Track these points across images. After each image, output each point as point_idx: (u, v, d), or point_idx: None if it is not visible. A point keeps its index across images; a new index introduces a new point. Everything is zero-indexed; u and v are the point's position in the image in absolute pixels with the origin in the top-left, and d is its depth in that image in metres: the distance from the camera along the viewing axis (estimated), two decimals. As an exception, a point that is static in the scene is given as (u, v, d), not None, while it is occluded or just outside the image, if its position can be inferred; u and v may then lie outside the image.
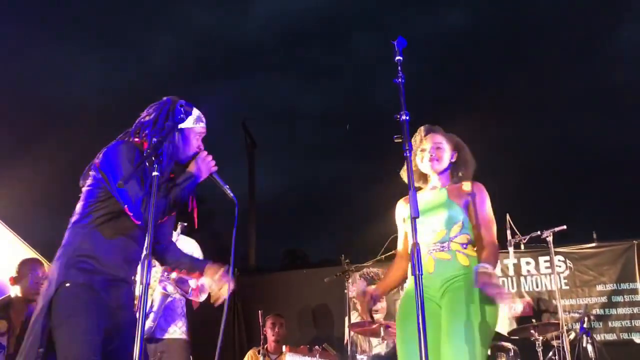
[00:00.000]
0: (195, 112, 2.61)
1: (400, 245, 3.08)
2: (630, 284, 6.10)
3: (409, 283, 2.91)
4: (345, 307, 6.90)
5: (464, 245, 2.77)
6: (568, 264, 6.31)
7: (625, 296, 6.10)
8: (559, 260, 6.32)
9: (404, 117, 2.07)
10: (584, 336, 4.19)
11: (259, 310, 5.05)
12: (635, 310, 6.04)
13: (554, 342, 4.51)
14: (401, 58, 2.15)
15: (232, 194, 2.60)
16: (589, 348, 4.12)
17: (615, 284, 6.15)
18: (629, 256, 6.18)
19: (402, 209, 3.06)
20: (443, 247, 2.78)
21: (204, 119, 2.65)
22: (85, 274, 2.31)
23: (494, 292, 2.47)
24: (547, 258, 6.35)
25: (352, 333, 5.41)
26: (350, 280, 7.09)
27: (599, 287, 6.19)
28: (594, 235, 6.37)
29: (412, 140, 2.97)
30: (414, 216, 1.95)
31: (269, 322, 5.51)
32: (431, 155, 2.91)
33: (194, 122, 2.58)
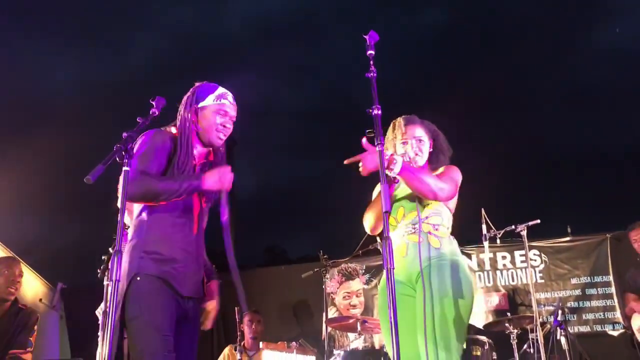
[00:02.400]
0: (219, 90, 2.58)
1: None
2: (604, 276, 6.20)
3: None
4: (324, 302, 6.93)
5: (436, 227, 2.80)
6: (543, 258, 6.38)
7: (598, 289, 6.19)
8: (534, 254, 6.39)
9: (376, 112, 2.07)
10: (558, 329, 4.24)
11: (236, 306, 5.02)
12: (609, 302, 6.14)
13: (529, 335, 4.57)
14: (373, 52, 2.14)
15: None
16: (563, 340, 4.18)
17: (589, 277, 6.25)
18: (602, 249, 6.27)
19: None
20: (415, 228, 2.80)
21: (229, 96, 2.59)
22: (156, 264, 2.32)
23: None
24: (523, 252, 6.42)
25: (329, 328, 5.41)
26: (328, 276, 7.12)
27: (574, 280, 6.27)
28: (569, 229, 6.46)
29: (390, 130, 2.99)
30: (386, 210, 1.95)
31: (246, 319, 5.49)
32: (414, 150, 2.92)
33: (214, 100, 2.54)
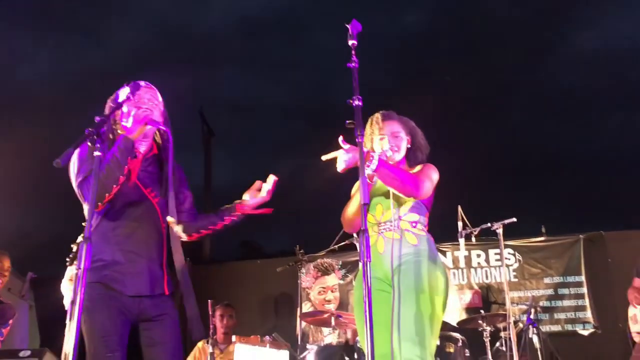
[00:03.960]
0: (132, 83, 2.53)
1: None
2: (576, 276, 6.28)
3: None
4: (300, 295, 6.90)
5: (414, 224, 2.79)
6: (517, 257, 6.43)
7: (571, 289, 6.27)
8: (508, 253, 6.44)
9: (356, 103, 2.03)
10: (530, 327, 4.27)
11: (209, 299, 4.95)
12: (580, 302, 6.21)
13: (502, 333, 4.59)
14: (355, 42, 2.11)
15: (164, 129, 2.51)
16: (535, 339, 4.20)
17: (561, 277, 6.32)
18: (575, 250, 6.35)
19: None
20: (392, 225, 2.79)
21: (141, 85, 2.53)
22: (97, 271, 2.31)
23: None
24: (497, 250, 6.47)
25: (303, 323, 5.38)
26: (303, 271, 7.09)
27: (546, 280, 6.34)
28: (543, 229, 6.51)
29: (368, 125, 2.97)
30: (364, 202, 1.92)
31: (218, 313, 5.42)
32: (391, 146, 2.90)
33: (129, 91, 2.48)
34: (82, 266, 1.91)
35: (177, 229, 2.53)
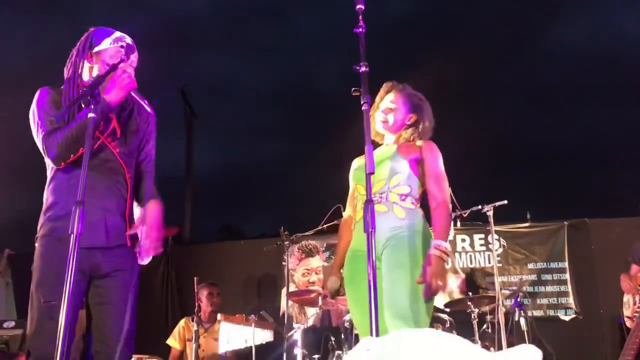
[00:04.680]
0: (116, 33, 2.41)
1: (349, 206, 3.02)
2: (560, 263, 6.31)
3: (353, 241, 2.87)
4: (283, 278, 6.86)
5: (403, 197, 2.73)
6: (502, 242, 6.45)
7: (553, 275, 6.30)
8: (493, 239, 6.45)
9: (363, 69, 1.97)
10: (517, 310, 4.28)
11: (195, 277, 4.89)
12: (562, 288, 6.26)
13: (488, 317, 4.60)
14: (362, 7, 2.04)
15: (149, 109, 2.43)
16: (522, 322, 4.21)
17: (545, 263, 6.35)
18: (559, 237, 6.37)
19: (355, 164, 3.01)
20: (382, 197, 2.74)
21: (126, 39, 2.42)
22: (49, 223, 2.24)
23: (431, 287, 2.49)
24: (482, 235, 6.50)
25: (290, 303, 5.35)
26: (288, 251, 7.05)
27: (530, 265, 6.37)
28: (528, 215, 6.53)
29: (378, 95, 2.93)
30: (369, 172, 1.87)
31: (206, 292, 5.36)
32: (382, 117, 2.86)
33: (110, 43, 2.37)
34: (75, 231, 1.83)
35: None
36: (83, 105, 2.02)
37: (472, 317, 4.12)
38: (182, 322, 5.33)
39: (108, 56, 2.35)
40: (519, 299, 4.33)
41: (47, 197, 2.31)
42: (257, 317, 4.84)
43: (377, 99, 2.96)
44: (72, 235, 1.83)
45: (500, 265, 6.36)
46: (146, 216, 2.29)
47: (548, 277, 6.30)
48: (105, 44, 2.36)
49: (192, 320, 4.81)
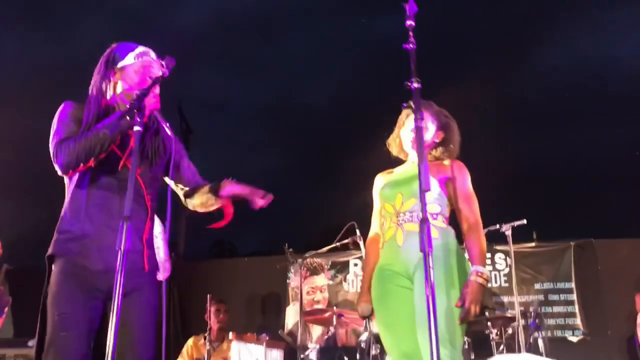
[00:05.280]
0: (140, 48, 2.36)
1: (375, 224, 2.98)
2: (566, 283, 6.30)
3: (381, 259, 2.82)
4: (287, 295, 6.80)
5: (434, 216, 2.69)
6: (508, 262, 6.43)
7: (561, 295, 6.29)
8: (499, 258, 6.45)
9: (415, 85, 1.94)
10: (534, 330, 4.24)
11: (208, 294, 4.80)
12: (570, 309, 6.23)
13: (494, 335, 4.54)
14: (413, 23, 2.02)
15: (170, 132, 2.34)
16: (540, 342, 4.17)
17: (552, 283, 6.33)
18: (566, 257, 6.37)
19: (380, 181, 2.96)
20: (412, 216, 2.69)
21: (150, 53, 2.36)
22: (63, 244, 2.16)
23: (469, 312, 2.48)
24: (488, 255, 6.48)
25: (294, 322, 5.27)
26: (292, 270, 6.98)
27: (537, 286, 6.35)
28: (534, 235, 6.52)
29: (403, 111, 2.90)
30: (425, 189, 1.83)
31: (213, 309, 5.26)
32: (413, 135, 2.83)
33: (134, 58, 2.32)
34: (122, 247, 1.77)
35: (179, 193, 2.43)
36: (128, 118, 1.96)
37: (491, 337, 4.07)
38: (190, 342, 5.23)
39: (133, 71, 2.30)
40: (536, 320, 4.29)
41: (62, 216, 2.24)
42: (272, 336, 4.75)
43: (404, 116, 2.93)
44: (119, 251, 1.76)
45: (507, 285, 6.34)
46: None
47: (555, 297, 6.28)
48: (130, 59, 2.32)
49: (204, 339, 4.72)
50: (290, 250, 7.02)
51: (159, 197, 2.39)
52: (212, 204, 2.42)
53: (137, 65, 2.31)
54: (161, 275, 3.68)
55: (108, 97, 2.31)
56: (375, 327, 4.70)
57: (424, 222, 1.82)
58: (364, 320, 4.37)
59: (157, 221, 2.47)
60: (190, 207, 2.49)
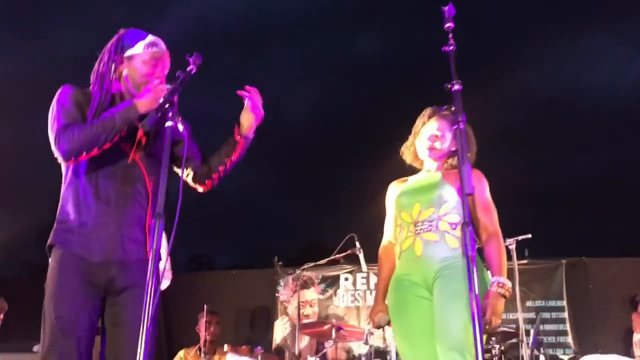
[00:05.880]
0: (150, 37, 2.28)
1: (388, 232, 2.92)
2: (558, 301, 6.31)
3: (398, 269, 2.76)
4: (276, 309, 6.69)
5: (454, 226, 2.64)
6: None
7: (552, 313, 6.28)
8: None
9: (456, 87, 1.91)
10: (536, 347, 4.21)
11: (205, 305, 4.68)
12: (561, 327, 6.24)
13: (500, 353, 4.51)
14: (452, 25, 1.99)
15: (183, 128, 2.10)
16: (542, 358, 4.14)
17: (543, 301, 6.33)
18: (557, 275, 6.39)
19: (394, 189, 2.91)
20: (431, 226, 2.64)
21: (160, 44, 2.28)
22: (62, 234, 2.09)
23: (490, 324, 2.44)
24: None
25: (279, 338, 5.21)
26: (282, 283, 6.89)
27: (529, 303, 6.34)
28: (526, 252, 6.52)
29: (418, 119, 2.86)
30: (468, 192, 1.78)
31: (204, 320, 5.13)
32: (429, 144, 2.79)
33: (144, 48, 2.24)
34: (154, 246, 1.68)
35: (188, 180, 2.34)
36: (157, 114, 1.88)
37: (493, 352, 4.02)
38: (181, 354, 5.09)
39: (141, 61, 2.22)
40: (537, 337, 4.26)
41: (61, 205, 2.16)
42: (263, 350, 4.65)
43: (419, 124, 2.89)
44: (150, 249, 1.67)
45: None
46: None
47: (547, 315, 6.28)
48: (139, 48, 2.23)
49: (197, 351, 4.58)
50: (280, 263, 6.95)
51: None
52: (230, 152, 2.38)
53: (146, 55, 2.23)
54: (162, 285, 3.57)
55: (113, 84, 2.23)
56: (375, 341, 4.64)
57: (466, 225, 1.78)
58: (364, 334, 4.31)
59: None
60: (205, 179, 2.40)
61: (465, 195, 1.79)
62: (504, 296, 2.50)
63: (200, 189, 2.41)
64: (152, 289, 1.60)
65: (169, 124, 1.85)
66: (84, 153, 2.05)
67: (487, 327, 2.49)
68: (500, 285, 2.50)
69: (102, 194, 2.11)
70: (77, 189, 2.13)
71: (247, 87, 2.31)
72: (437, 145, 2.80)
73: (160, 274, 2.54)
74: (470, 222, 1.79)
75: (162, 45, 2.29)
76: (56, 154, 2.10)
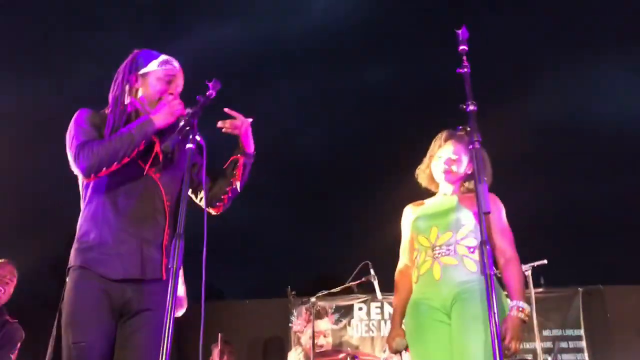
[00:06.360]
0: (163, 56, 2.33)
1: (404, 256, 2.92)
2: (575, 330, 6.21)
3: (415, 293, 2.75)
4: (289, 340, 6.64)
5: (472, 250, 2.63)
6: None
7: (570, 342, 6.18)
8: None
9: (471, 107, 1.93)
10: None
11: (219, 333, 4.67)
12: (579, 357, 6.12)
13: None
14: (466, 48, 2.03)
15: (200, 140, 2.08)
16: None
17: (560, 330, 6.23)
18: (574, 303, 6.30)
19: (410, 213, 2.92)
20: (449, 250, 2.64)
21: (173, 62, 2.33)
22: (83, 253, 2.08)
23: (510, 349, 2.42)
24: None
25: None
26: (295, 313, 6.84)
27: (545, 332, 6.24)
28: (542, 280, 6.45)
29: (433, 142, 2.88)
30: (485, 212, 1.79)
31: (217, 350, 5.11)
32: (445, 168, 2.80)
33: (158, 65, 2.28)
34: (174, 265, 1.69)
35: (201, 204, 2.33)
36: (179, 137, 1.92)
37: (512, 381, 3.95)
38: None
39: (155, 78, 2.26)
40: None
41: (79, 225, 2.17)
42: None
43: (435, 147, 2.90)
44: (170, 269, 1.69)
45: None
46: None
47: (564, 344, 6.17)
48: (153, 65, 2.28)
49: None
50: (293, 293, 6.91)
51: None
52: (233, 171, 2.38)
53: (160, 72, 2.27)
54: (178, 312, 3.57)
55: (127, 102, 2.27)
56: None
57: (484, 244, 1.78)
58: (380, 362, 4.27)
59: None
60: (216, 201, 2.40)
61: (482, 214, 1.80)
62: (523, 321, 2.48)
63: (213, 212, 2.41)
64: (171, 309, 1.60)
65: (189, 145, 1.88)
66: (104, 168, 2.06)
67: (507, 352, 2.46)
68: (520, 309, 2.48)
69: (122, 210, 2.12)
70: (97, 206, 2.14)
71: (225, 110, 2.34)
72: (454, 168, 2.81)
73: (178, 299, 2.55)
74: (487, 242, 1.79)
75: (176, 63, 2.34)
76: (76, 171, 2.12)
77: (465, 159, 2.84)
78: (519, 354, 2.47)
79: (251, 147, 2.41)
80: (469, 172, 2.84)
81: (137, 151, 2.12)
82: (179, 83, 2.32)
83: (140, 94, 2.27)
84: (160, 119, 2.13)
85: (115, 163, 2.07)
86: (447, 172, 2.80)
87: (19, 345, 3.56)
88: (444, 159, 2.82)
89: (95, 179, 2.12)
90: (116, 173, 2.12)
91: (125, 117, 2.23)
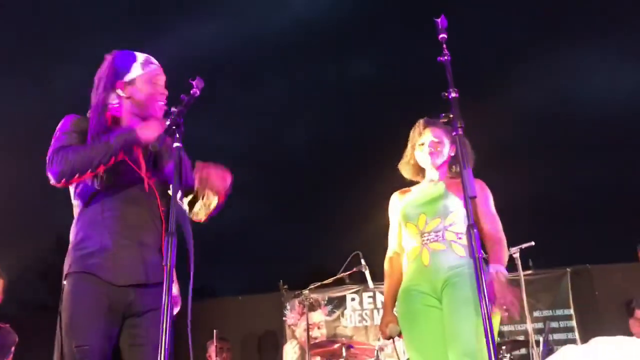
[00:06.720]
0: (140, 56, 2.31)
1: (393, 243, 2.96)
2: (565, 309, 6.30)
3: (407, 280, 2.79)
4: (284, 333, 6.67)
5: (460, 235, 2.69)
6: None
7: (560, 322, 6.27)
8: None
9: (453, 95, 1.97)
10: (547, 353, 4.20)
11: (214, 330, 4.68)
12: (570, 335, 6.22)
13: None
14: (445, 36, 2.06)
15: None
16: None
17: (550, 310, 6.33)
18: (563, 283, 6.39)
19: (397, 200, 2.96)
20: (437, 236, 2.70)
21: (152, 60, 2.32)
22: (82, 259, 2.07)
23: (510, 308, 2.44)
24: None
25: (292, 357, 5.17)
26: (288, 306, 6.87)
27: (536, 313, 6.32)
28: (530, 263, 6.53)
29: (411, 132, 2.91)
30: (471, 196, 1.83)
31: (214, 347, 5.13)
32: (430, 150, 2.83)
33: (141, 69, 2.27)
34: (168, 264, 1.72)
35: (187, 209, 2.31)
36: (166, 137, 1.94)
37: (504, 361, 4.03)
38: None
39: (142, 82, 2.25)
40: (547, 346, 4.26)
41: (76, 232, 2.16)
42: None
43: (415, 136, 2.92)
44: (165, 267, 1.71)
45: (506, 313, 6.30)
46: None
47: (554, 324, 6.27)
48: (136, 70, 2.26)
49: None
50: (285, 287, 6.94)
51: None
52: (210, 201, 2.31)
53: (146, 75, 2.27)
54: (174, 310, 3.57)
55: (114, 109, 2.25)
56: (385, 357, 4.64)
57: (472, 227, 1.82)
58: (374, 351, 4.31)
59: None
60: (199, 218, 2.36)
61: (469, 198, 1.83)
62: (503, 274, 2.51)
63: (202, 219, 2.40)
64: (168, 306, 1.63)
65: (176, 144, 1.90)
66: (77, 175, 2.05)
67: (504, 310, 2.48)
68: (495, 268, 2.52)
69: (121, 216, 2.13)
70: (96, 212, 2.13)
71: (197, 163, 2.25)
72: (439, 148, 2.85)
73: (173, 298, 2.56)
74: (474, 225, 1.83)
75: (155, 60, 2.34)
76: (48, 176, 2.10)
77: (447, 142, 2.88)
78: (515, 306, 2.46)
79: (224, 197, 2.35)
80: (452, 154, 2.89)
81: (128, 158, 2.12)
82: (164, 80, 2.33)
83: (127, 100, 2.26)
84: (146, 134, 2.10)
85: (89, 171, 2.05)
86: (433, 154, 2.84)
87: (12, 349, 3.56)
88: (427, 144, 2.86)
89: (67, 185, 2.12)
90: (114, 179, 2.13)
91: (109, 124, 2.21)
